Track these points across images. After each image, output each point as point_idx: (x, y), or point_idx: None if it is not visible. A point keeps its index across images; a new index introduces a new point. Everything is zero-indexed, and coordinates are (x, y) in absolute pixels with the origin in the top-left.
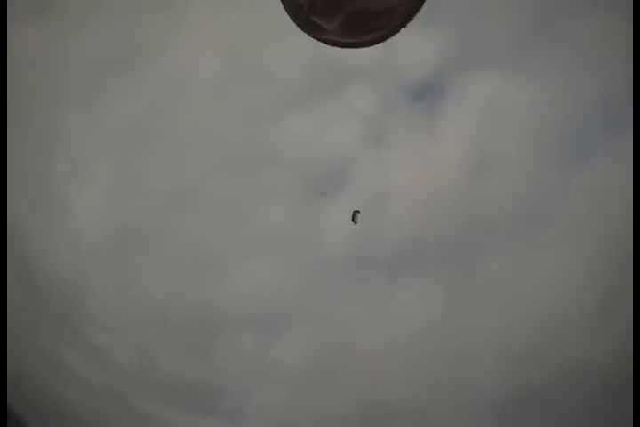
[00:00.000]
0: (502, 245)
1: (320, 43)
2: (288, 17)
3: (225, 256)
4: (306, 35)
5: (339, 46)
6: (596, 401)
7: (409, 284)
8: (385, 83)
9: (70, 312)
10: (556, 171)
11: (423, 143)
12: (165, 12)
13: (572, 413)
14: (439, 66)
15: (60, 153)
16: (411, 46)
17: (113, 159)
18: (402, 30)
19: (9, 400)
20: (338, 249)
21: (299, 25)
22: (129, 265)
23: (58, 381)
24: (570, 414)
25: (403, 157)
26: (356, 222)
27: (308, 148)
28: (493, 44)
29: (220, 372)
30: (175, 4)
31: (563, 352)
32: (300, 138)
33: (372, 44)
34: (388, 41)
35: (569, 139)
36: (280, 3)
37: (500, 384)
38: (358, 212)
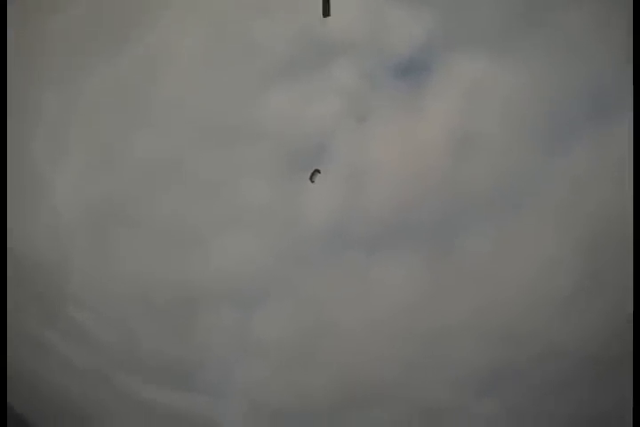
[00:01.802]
0: (483, 224)
1: None
2: None
3: (205, 231)
4: None
5: None
6: (571, 378)
7: (390, 261)
8: (370, 59)
9: (52, 291)
10: (538, 153)
11: (406, 120)
12: None
13: (549, 389)
14: (426, 44)
15: (38, 130)
16: (398, 24)
17: (91, 134)
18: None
19: None
20: (318, 224)
21: None
22: (109, 242)
23: (41, 361)
24: (546, 390)
25: (385, 134)
26: (313, 181)
27: (291, 122)
28: (481, 25)
29: (202, 348)
30: None
31: (541, 331)
32: (282, 112)
33: None
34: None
35: (553, 122)
36: None
37: (479, 361)
38: (318, 171)
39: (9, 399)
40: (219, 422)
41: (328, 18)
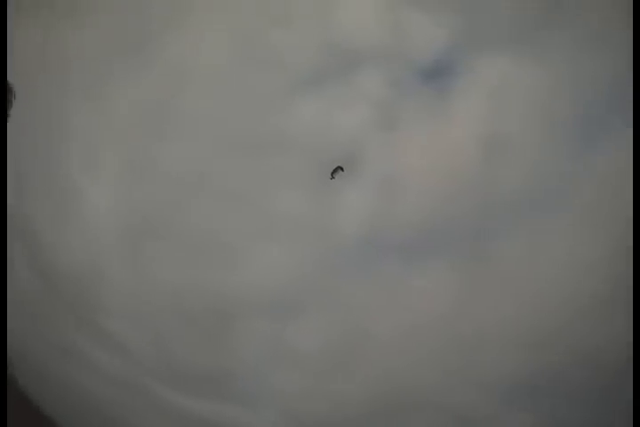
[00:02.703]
0: (516, 228)
1: None
2: None
3: (238, 242)
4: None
5: None
6: (608, 387)
7: (423, 268)
8: (395, 65)
9: (85, 301)
10: (569, 154)
11: (435, 125)
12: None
13: (585, 398)
14: (449, 48)
15: (71, 143)
16: (420, 27)
17: (123, 147)
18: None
19: (27, 391)
20: (351, 233)
21: None
22: (142, 253)
23: (74, 370)
24: (582, 399)
25: (415, 140)
26: (333, 177)
27: (319, 131)
28: (504, 25)
29: (236, 359)
30: None
31: (575, 337)
32: (310, 122)
33: None
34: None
35: (582, 122)
36: None
37: (515, 369)
38: (341, 169)
39: (41, 405)
40: None
41: (349, 25)
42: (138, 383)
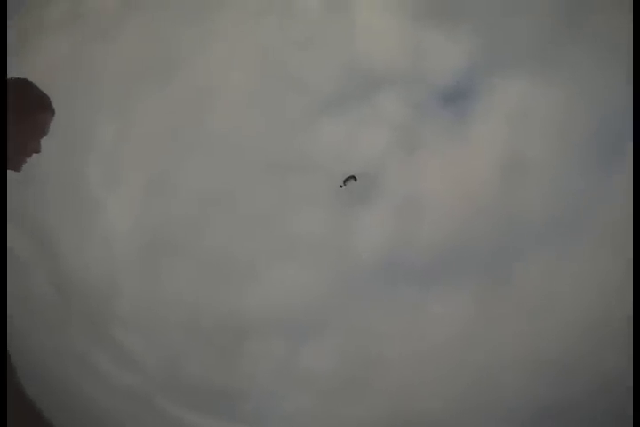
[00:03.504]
0: (536, 252)
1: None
2: (318, 23)
3: (255, 261)
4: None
5: None
6: (627, 417)
7: (441, 292)
8: (415, 88)
9: (100, 315)
10: (590, 175)
11: (455, 147)
12: (195, 19)
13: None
14: (468, 69)
15: (93, 160)
16: (439, 50)
17: (145, 163)
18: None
19: (36, 400)
20: (369, 256)
21: None
22: (159, 268)
23: (86, 382)
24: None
25: (435, 163)
26: (344, 185)
27: (340, 154)
28: (523, 46)
29: (248, 377)
30: (204, 10)
31: (595, 365)
32: (331, 143)
33: None
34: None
35: (604, 142)
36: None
37: (530, 396)
38: (354, 179)
39: (49, 415)
40: None
41: (371, 49)
42: (148, 398)
